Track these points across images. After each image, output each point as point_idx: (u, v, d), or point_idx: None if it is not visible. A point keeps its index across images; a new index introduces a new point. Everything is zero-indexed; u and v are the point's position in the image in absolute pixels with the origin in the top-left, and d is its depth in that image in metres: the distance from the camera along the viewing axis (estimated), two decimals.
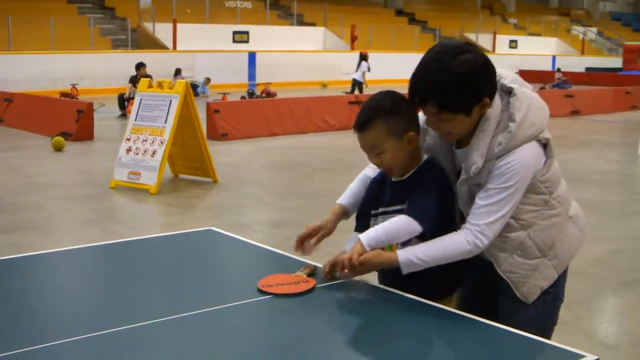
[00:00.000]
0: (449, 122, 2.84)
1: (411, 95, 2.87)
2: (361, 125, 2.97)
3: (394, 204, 3.07)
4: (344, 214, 3.28)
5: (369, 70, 25.06)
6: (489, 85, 2.84)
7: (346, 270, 2.88)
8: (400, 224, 2.90)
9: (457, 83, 2.75)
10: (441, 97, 2.77)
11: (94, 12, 33.80)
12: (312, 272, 3.13)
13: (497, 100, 2.88)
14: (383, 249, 2.92)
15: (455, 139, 2.98)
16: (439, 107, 2.79)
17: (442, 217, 2.95)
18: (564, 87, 30.04)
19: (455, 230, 2.92)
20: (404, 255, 2.84)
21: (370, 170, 3.30)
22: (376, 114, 2.93)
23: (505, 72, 3.00)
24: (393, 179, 3.10)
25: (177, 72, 27.50)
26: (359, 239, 2.89)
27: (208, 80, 27.46)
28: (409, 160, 3.03)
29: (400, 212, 3.00)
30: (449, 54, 2.77)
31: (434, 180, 2.98)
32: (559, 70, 36.73)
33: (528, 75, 38.20)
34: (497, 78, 2.91)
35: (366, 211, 3.20)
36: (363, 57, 25.96)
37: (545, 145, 2.93)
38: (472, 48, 2.83)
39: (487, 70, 2.82)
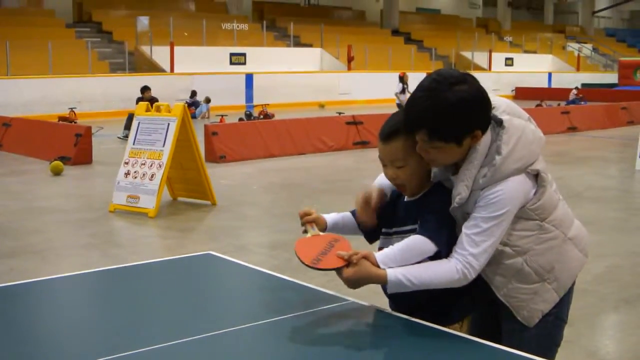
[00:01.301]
0: (439, 150, 2.83)
1: (405, 120, 2.87)
2: (387, 135, 2.96)
3: (406, 223, 3.05)
4: (381, 192, 3.19)
5: (402, 91, 24.96)
6: (482, 118, 2.83)
7: (341, 253, 2.85)
8: (415, 244, 2.87)
9: (450, 113, 2.75)
10: (433, 125, 2.77)
11: (92, 36, 33.90)
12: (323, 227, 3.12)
13: (488, 131, 2.87)
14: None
15: (440, 165, 2.98)
16: (430, 134, 2.79)
17: (453, 239, 2.93)
18: (579, 103, 30.03)
19: None
20: (393, 274, 2.81)
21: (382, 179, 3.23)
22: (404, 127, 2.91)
23: (500, 100, 2.99)
24: (406, 199, 3.09)
25: (193, 94, 27.72)
26: (374, 255, 2.86)
27: (208, 99, 27.54)
28: (424, 179, 3.03)
29: (412, 232, 2.99)
30: (445, 84, 2.76)
31: (445, 202, 2.95)
32: (576, 88, 36.73)
33: (524, 93, 38.45)
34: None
35: (377, 230, 3.18)
36: (400, 79, 25.97)
37: (536, 176, 2.92)
38: (468, 79, 2.81)
39: (480, 103, 2.81)
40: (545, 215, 2.95)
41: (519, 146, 2.85)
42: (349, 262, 2.83)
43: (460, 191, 2.86)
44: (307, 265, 2.90)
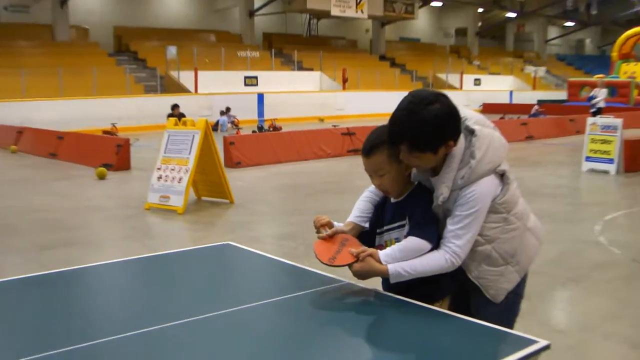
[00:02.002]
0: (418, 158, 2.87)
1: (389, 136, 2.89)
2: (368, 150, 3.00)
3: (395, 221, 3.08)
4: (354, 227, 3.20)
5: None
6: (453, 130, 2.85)
7: (352, 251, 2.92)
8: (413, 245, 2.91)
9: (425, 129, 2.78)
10: (412, 139, 2.81)
11: (130, 64, 33.91)
12: (333, 231, 3.12)
13: (462, 139, 2.90)
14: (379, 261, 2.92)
15: (423, 170, 3.00)
16: (410, 147, 2.83)
17: (439, 230, 2.97)
18: (539, 117, 29.96)
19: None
20: (393, 267, 2.86)
21: (370, 192, 3.28)
22: (382, 142, 2.94)
23: (470, 113, 3.01)
24: (393, 200, 3.11)
25: (227, 110, 27.78)
26: (378, 253, 2.91)
27: (228, 109, 27.52)
28: (406, 182, 3.06)
29: (400, 227, 3.04)
30: (420, 104, 2.79)
31: (428, 201, 2.99)
32: (537, 103, 36.69)
33: (491, 108, 38.45)
34: (462, 120, 2.91)
35: (372, 232, 3.20)
36: None
37: (502, 175, 2.96)
38: (440, 99, 2.83)
39: (451, 118, 2.83)
40: (509, 208, 2.98)
41: (489, 151, 2.88)
42: (357, 258, 2.90)
43: (442, 191, 2.89)
44: (324, 264, 2.98)
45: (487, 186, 2.89)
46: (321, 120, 32.52)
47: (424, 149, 2.82)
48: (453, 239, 2.88)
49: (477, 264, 3.01)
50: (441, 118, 2.79)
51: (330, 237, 3.08)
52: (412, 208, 3.01)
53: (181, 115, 14.14)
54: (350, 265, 2.91)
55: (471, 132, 2.90)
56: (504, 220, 2.98)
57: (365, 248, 2.95)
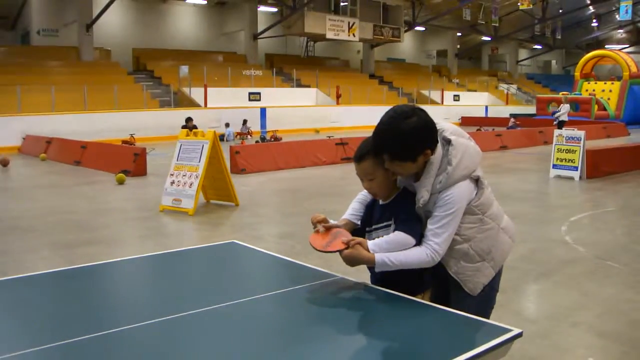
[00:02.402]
0: (399, 166, 2.88)
1: (372, 147, 2.91)
2: (358, 158, 3.02)
3: (382, 221, 3.08)
4: (348, 224, 3.20)
5: None
6: (430, 140, 2.86)
7: (344, 239, 2.92)
8: (399, 238, 2.91)
9: (403, 141, 2.79)
10: (392, 151, 2.83)
11: (146, 81, 33.87)
12: (328, 225, 3.10)
13: (439, 148, 2.90)
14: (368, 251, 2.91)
15: (406, 176, 3.00)
16: (391, 157, 2.85)
17: (422, 228, 2.97)
18: (516, 128, 29.98)
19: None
20: (379, 257, 2.86)
21: (363, 194, 3.28)
22: (370, 151, 2.96)
23: (447, 125, 3.02)
24: (381, 203, 3.12)
25: (244, 122, 28.44)
26: (367, 242, 2.92)
27: (227, 124, 27.53)
28: (392, 187, 3.06)
29: (386, 227, 3.04)
30: (399, 118, 2.81)
31: (413, 204, 2.99)
32: (512, 116, 36.75)
33: (468, 120, 38.55)
34: (440, 131, 2.92)
35: (363, 229, 3.19)
36: None
37: (477, 180, 2.95)
38: (418, 113, 2.84)
39: (427, 130, 2.84)
40: (484, 210, 2.98)
41: (464, 158, 2.88)
42: (347, 246, 2.89)
43: (423, 195, 2.89)
44: (318, 250, 2.98)
45: (463, 190, 2.89)
46: (317, 131, 32.50)
47: (403, 158, 2.84)
48: (432, 237, 2.88)
49: (456, 260, 3.00)
50: (418, 130, 2.81)
51: (326, 231, 3.07)
52: (398, 209, 3.02)
53: (194, 128, 14.06)
54: (341, 252, 2.91)
55: (448, 142, 2.91)
56: (479, 221, 2.97)
57: (356, 237, 2.96)
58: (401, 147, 2.81)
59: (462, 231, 2.95)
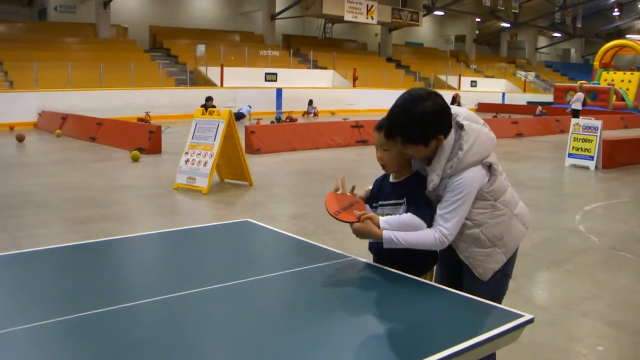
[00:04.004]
0: (411, 149, 2.88)
1: (385, 129, 2.91)
2: (379, 126, 3.01)
3: (391, 198, 3.08)
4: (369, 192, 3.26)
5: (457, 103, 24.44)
6: (443, 126, 2.85)
7: (356, 212, 2.94)
8: (411, 220, 2.92)
9: (416, 124, 2.79)
10: (404, 133, 2.82)
11: (163, 59, 33.90)
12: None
13: (452, 133, 2.89)
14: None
15: (419, 159, 3.01)
16: (403, 140, 2.84)
17: (433, 211, 2.98)
18: (543, 116, 29.75)
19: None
20: (388, 234, 2.87)
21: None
22: None
23: (461, 109, 3.01)
24: (391, 180, 3.11)
25: (310, 102, 29.85)
26: (378, 218, 2.93)
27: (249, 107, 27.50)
28: (403, 165, 3.05)
29: (394, 205, 3.04)
30: (413, 102, 2.80)
31: (425, 188, 2.98)
32: (541, 104, 36.50)
33: (485, 107, 38.34)
34: (454, 116, 2.91)
35: (370, 204, 3.20)
36: (453, 99, 25.37)
37: (489, 167, 2.94)
38: (433, 97, 2.83)
39: (442, 115, 2.83)
40: (497, 196, 2.97)
41: (475, 144, 2.87)
42: (359, 219, 2.91)
43: (433, 178, 2.89)
44: (330, 214, 2.97)
45: (474, 175, 2.88)
46: (333, 113, 32.43)
47: (415, 141, 2.84)
48: (442, 222, 2.88)
49: (467, 245, 3.00)
50: (432, 114, 2.80)
51: (344, 196, 3.09)
52: (412, 192, 3.01)
53: (213, 107, 14.04)
54: (351, 224, 2.93)
55: (460, 127, 2.90)
56: (491, 207, 2.97)
57: (368, 212, 2.97)
58: (414, 131, 2.80)
59: (474, 216, 2.95)
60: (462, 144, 2.85)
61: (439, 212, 2.90)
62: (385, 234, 2.87)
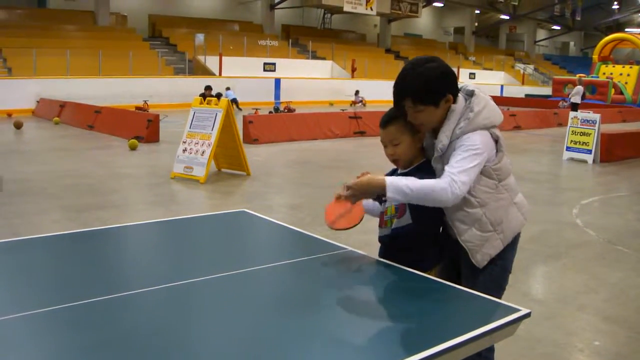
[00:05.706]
0: (422, 113, 2.86)
1: (394, 92, 2.90)
2: (385, 122, 3.00)
3: None
4: None
5: None
6: (451, 85, 2.89)
7: (346, 184, 2.82)
8: (414, 178, 2.79)
9: (425, 82, 2.81)
10: (414, 93, 2.82)
11: (161, 48, 33.84)
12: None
13: (462, 99, 2.93)
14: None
15: (428, 129, 2.97)
16: (413, 101, 2.83)
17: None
18: (564, 108, 29.71)
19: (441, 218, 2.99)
20: (391, 179, 2.76)
21: None
22: (397, 116, 2.94)
23: (469, 84, 3.04)
24: (400, 171, 3.07)
25: (357, 92, 30.99)
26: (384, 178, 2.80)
27: (228, 88, 27.27)
28: (416, 155, 3.02)
29: None
30: (419, 64, 2.86)
31: (433, 173, 2.92)
32: (563, 100, 36.41)
33: None
34: (463, 85, 2.98)
35: (379, 198, 3.15)
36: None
37: (496, 141, 2.95)
38: (437, 60, 2.91)
39: (447, 74, 2.89)
40: (501, 177, 2.97)
41: (486, 108, 2.91)
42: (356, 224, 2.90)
43: (442, 139, 2.88)
44: (328, 226, 2.94)
45: (484, 137, 2.87)
46: (331, 104, 32.42)
47: (426, 101, 2.83)
48: (455, 172, 2.75)
49: (468, 227, 2.97)
50: (439, 72, 2.86)
51: (344, 201, 2.93)
52: (417, 171, 2.97)
53: (211, 96, 13.99)
54: (347, 229, 2.89)
55: (471, 94, 2.95)
56: (495, 188, 2.95)
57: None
58: (424, 89, 2.81)
59: (479, 194, 2.92)
60: (473, 107, 2.88)
61: (452, 164, 2.79)
62: (389, 179, 2.76)
